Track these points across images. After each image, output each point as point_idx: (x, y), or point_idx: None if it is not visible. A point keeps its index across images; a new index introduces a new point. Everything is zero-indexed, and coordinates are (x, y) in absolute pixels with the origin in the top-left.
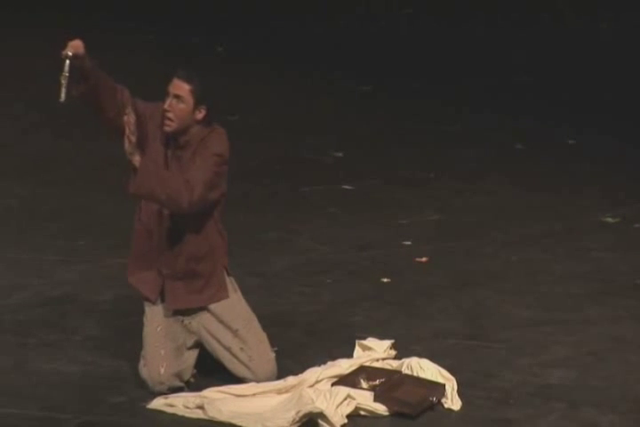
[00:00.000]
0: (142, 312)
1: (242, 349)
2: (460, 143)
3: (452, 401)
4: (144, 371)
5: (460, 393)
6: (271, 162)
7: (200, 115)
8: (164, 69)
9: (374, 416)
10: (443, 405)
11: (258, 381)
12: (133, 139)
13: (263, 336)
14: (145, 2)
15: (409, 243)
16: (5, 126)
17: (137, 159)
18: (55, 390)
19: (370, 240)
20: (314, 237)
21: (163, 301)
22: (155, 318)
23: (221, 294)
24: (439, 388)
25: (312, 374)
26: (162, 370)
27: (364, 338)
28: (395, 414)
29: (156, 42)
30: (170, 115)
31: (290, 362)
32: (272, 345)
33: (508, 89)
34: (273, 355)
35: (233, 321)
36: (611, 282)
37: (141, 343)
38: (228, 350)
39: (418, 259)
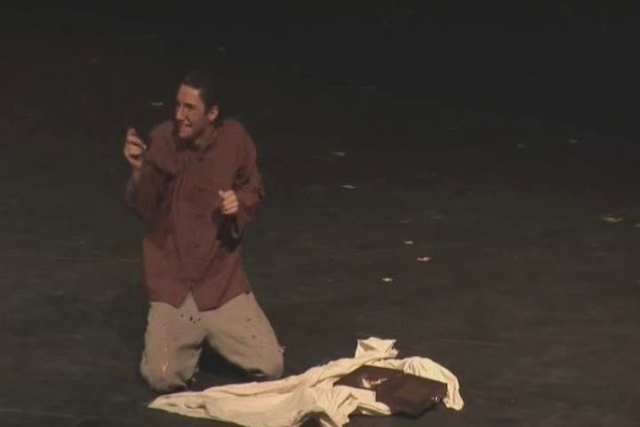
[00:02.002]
0: (144, 312)
1: (254, 336)
2: (460, 143)
3: (454, 401)
4: (145, 369)
5: (461, 393)
6: (272, 162)
7: (213, 115)
8: (165, 69)
9: (376, 416)
10: (444, 404)
11: (267, 369)
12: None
13: (271, 329)
14: (145, 2)
15: (410, 242)
16: (6, 126)
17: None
18: (57, 389)
19: (371, 240)
20: (315, 236)
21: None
22: (160, 316)
23: (242, 287)
24: (441, 387)
25: (314, 373)
26: (164, 367)
27: (366, 338)
28: (396, 414)
29: (156, 42)
30: (185, 122)
31: (291, 362)
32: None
33: (509, 89)
34: (281, 350)
35: (245, 312)
36: (612, 282)
37: (143, 343)
38: (240, 340)
39: (419, 258)
